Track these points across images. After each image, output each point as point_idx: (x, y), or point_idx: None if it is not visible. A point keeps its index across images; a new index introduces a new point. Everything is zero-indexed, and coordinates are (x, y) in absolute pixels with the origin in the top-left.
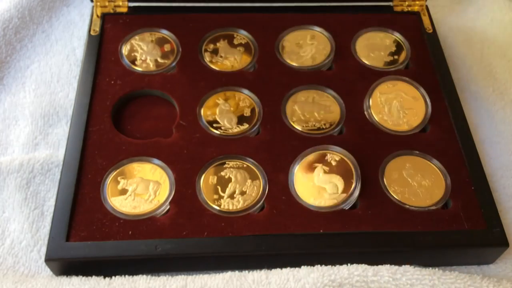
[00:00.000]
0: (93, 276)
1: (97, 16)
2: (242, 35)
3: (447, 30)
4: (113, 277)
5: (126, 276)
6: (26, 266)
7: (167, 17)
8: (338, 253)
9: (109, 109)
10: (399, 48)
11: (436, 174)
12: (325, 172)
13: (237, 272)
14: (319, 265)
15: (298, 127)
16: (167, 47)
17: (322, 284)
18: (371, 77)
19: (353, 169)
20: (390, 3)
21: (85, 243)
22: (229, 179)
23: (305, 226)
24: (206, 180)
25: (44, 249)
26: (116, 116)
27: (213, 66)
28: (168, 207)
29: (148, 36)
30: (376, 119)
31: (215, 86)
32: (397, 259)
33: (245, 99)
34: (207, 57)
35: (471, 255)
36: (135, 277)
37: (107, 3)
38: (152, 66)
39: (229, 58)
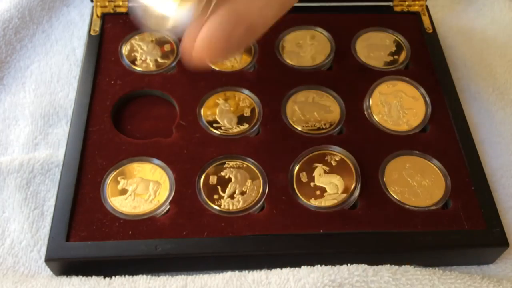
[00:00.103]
0: (93, 276)
1: (97, 16)
2: None
3: (447, 30)
4: (113, 277)
5: (126, 276)
6: (26, 266)
7: None
8: (338, 253)
9: (109, 109)
10: (399, 48)
11: (436, 174)
12: (325, 172)
13: (237, 272)
14: (319, 265)
15: (298, 127)
16: (167, 47)
17: (322, 284)
18: (371, 77)
19: (353, 169)
20: (390, 3)
21: (85, 243)
22: (229, 179)
23: (305, 226)
24: (206, 180)
25: (44, 249)
26: (116, 116)
27: (213, 66)
28: (168, 207)
29: (148, 36)
30: (376, 119)
31: (215, 86)
32: (397, 259)
33: (245, 99)
34: None
35: (471, 255)
36: (135, 277)
37: (107, 3)
38: (152, 66)
39: (229, 58)
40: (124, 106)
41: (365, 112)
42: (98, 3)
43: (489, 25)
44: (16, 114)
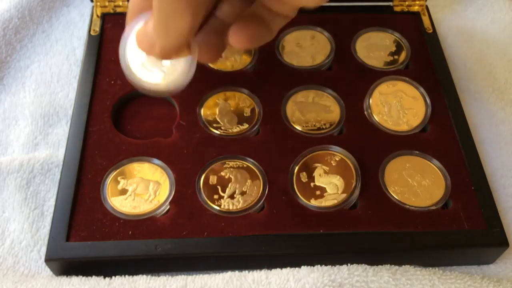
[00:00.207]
0: (93, 276)
1: (97, 16)
2: None
3: (447, 30)
4: (113, 277)
5: (126, 276)
6: (26, 266)
7: None
8: (338, 253)
9: (109, 109)
10: (399, 48)
11: (436, 174)
12: (325, 172)
13: (237, 272)
14: (319, 265)
15: (298, 127)
16: None
17: (322, 284)
18: (371, 77)
19: (353, 169)
20: (390, 3)
21: (85, 243)
22: (229, 179)
23: (305, 226)
24: (206, 180)
25: (44, 249)
26: (116, 116)
27: (213, 66)
28: (168, 207)
29: None
30: (376, 119)
31: (215, 86)
32: (397, 259)
33: (245, 99)
34: None
35: (471, 255)
36: (135, 277)
37: (107, 3)
38: None
39: (229, 58)
40: (124, 106)
41: (365, 112)
42: (98, 3)
43: (489, 25)
44: (16, 114)
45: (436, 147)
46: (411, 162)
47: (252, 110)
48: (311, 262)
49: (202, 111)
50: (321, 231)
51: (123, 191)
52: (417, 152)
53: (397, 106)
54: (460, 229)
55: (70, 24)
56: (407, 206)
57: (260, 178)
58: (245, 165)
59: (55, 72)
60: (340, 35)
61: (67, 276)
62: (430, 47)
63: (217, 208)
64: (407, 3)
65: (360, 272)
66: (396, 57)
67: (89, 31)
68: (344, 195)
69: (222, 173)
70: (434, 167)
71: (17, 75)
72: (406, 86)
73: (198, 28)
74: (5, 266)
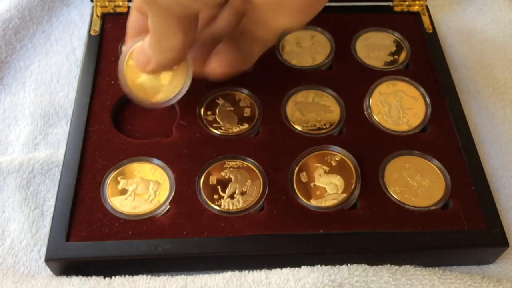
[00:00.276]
0: (93, 276)
1: (97, 16)
2: None
3: (447, 30)
4: (113, 277)
5: (126, 276)
6: (26, 266)
7: None
8: (338, 253)
9: (109, 109)
10: (399, 48)
11: (436, 174)
12: (325, 172)
13: (237, 272)
14: (319, 265)
15: (298, 127)
16: None
17: (322, 284)
18: (371, 77)
19: (353, 169)
20: (390, 3)
21: (85, 243)
22: (229, 179)
23: (305, 226)
24: (206, 180)
25: (44, 249)
26: (116, 116)
27: None
28: (168, 207)
29: None
30: (376, 119)
31: (215, 86)
32: (397, 259)
33: (245, 99)
34: None
35: (471, 255)
36: (135, 277)
37: (107, 3)
38: None
39: None
40: (124, 106)
41: (365, 112)
42: (98, 3)
43: (489, 25)
44: (16, 114)
45: (436, 147)
46: (411, 162)
47: (252, 110)
48: (311, 262)
49: (202, 111)
50: (321, 231)
51: (123, 191)
52: (417, 152)
53: (397, 106)
54: (460, 229)
55: (70, 24)
56: (407, 206)
57: (260, 178)
58: (245, 165)
59: (55, 72)
60: (340, 35)
61: (67, 276)
62: (430, 47)
63: (217, 208)
64: (407, 3)
65: (360, 272)
66: (396, 57)
67: (89, 31)
68: (344, 195)
69: (222, 173)
70: (434, 167)
71: (17, 75)
72: (406, 86)
73: (191, 44)
74: (5, 266)
